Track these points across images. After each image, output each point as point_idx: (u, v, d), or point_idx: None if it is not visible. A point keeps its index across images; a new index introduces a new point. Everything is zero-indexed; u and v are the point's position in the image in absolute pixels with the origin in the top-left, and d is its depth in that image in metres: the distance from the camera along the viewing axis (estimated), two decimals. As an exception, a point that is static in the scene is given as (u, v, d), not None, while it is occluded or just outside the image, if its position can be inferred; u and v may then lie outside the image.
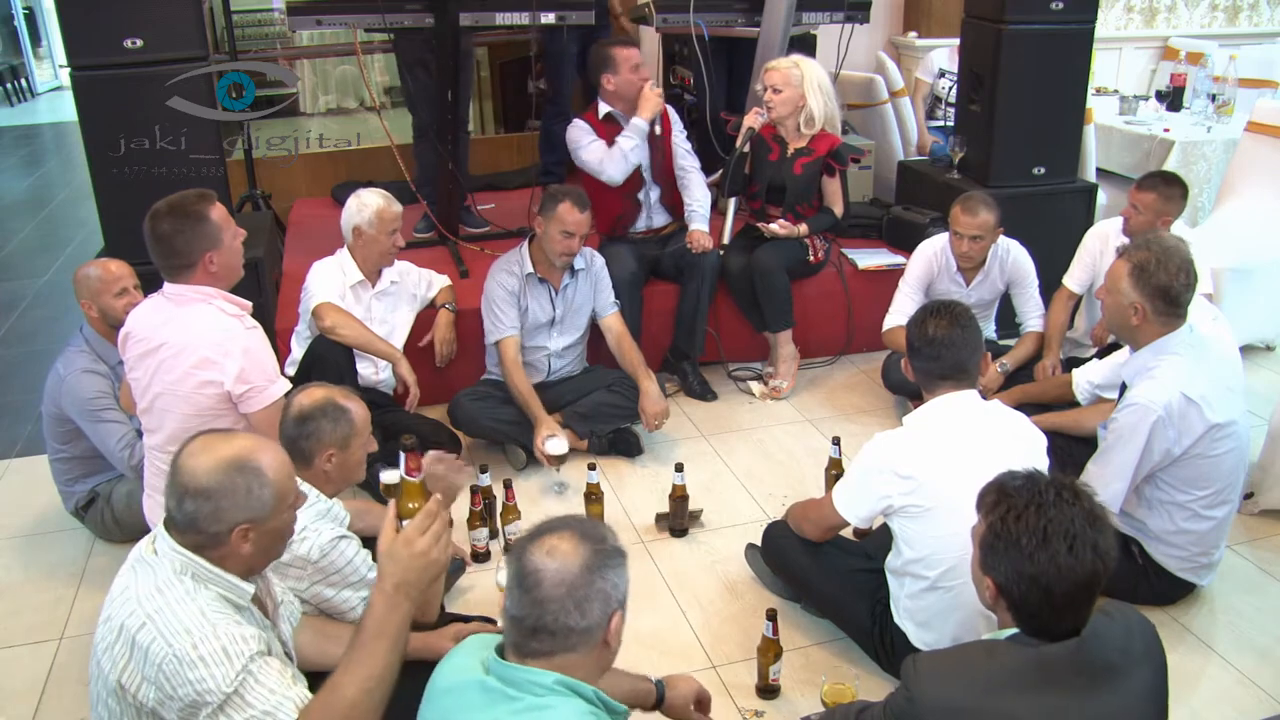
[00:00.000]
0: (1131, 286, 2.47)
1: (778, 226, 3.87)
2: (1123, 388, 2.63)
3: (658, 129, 3.89)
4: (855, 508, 2.32)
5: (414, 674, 2.09)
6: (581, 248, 3.41)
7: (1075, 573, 1.53)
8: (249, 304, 2.51)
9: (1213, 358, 2.56)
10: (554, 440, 3.20)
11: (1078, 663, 1.54)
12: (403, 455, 1.77)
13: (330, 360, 3.13)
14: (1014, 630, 1.62)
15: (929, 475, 2.16)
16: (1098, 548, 1.55)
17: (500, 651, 1.49)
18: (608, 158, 3.83)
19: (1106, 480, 2.53)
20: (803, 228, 3.91)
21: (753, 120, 3.86)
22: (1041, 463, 2.23)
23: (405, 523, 1.64)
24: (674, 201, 4.06)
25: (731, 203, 3.98)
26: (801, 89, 3.82)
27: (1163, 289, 2.44)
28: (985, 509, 1.66)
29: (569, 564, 1.43)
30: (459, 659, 1.54)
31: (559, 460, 3.19)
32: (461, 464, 2.26)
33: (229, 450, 1.59)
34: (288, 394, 2.38)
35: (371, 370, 3.38)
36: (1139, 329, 2.51)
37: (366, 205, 3.25)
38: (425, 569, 1.61)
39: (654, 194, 4.00)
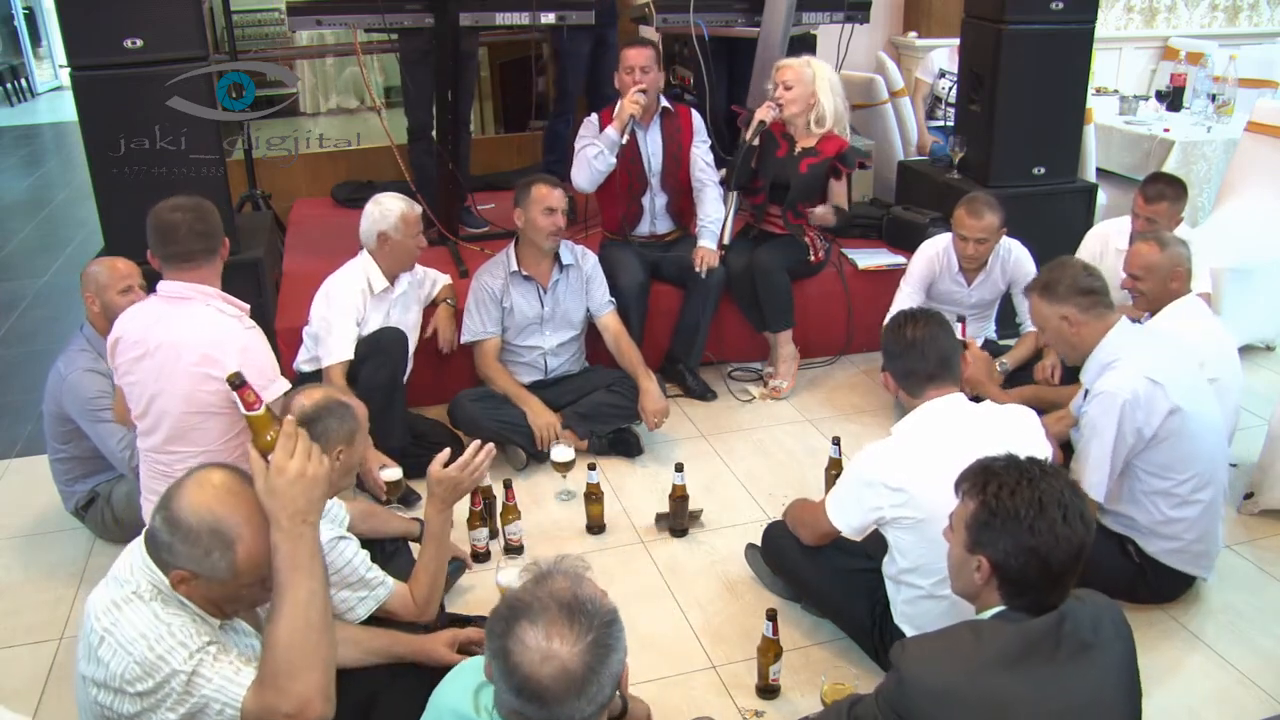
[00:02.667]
0: (1050, 304, 2.62)
1: (823, 210, 3.86)
2: (1086, 393, 2.65)
3: (625, 137, 3.76)
4: (848, 518, 2.31)
5: (409, 676, 2.10)
6: (564, 224, 3.38)
7: (1070, 542, 1.60)
8: (247, 305, 2.51)
9: (1170, 347, 2.63)
10: (560, 448, 3.20)
11: (1058, 636, 1.59)
12: (235, 394, 1.68)
13: (388, 351, 3.16)
14: (997, 609, 1.66)
15: (919, 487, 2.14)
16: (1084, 516, 1.63)
17: (500, 711, 1.38)
18: (576, 164, 3.82)
19: (1088, 471, 2.55)
20: (830, 217, 3.90)
21: (764, 114, 3.82)
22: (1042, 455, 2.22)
23: (270, 457, 1.59)
24: (681, 210, 4.05)
25: (732, 201, 3.98)
26: (813, 87, 3.81)
27: (1072, 285, 2.58)
28: (973, 490, 1.69)
29: (571, 669, 1.28)
30: (457, 694, 1.47)
31: (565, 467, 3.19)
32: (473, 455, 2.23)
33: (221, 508, 1.55)
34: (287, 393, 2.38)
35: None
36: (1081, 333, 2.59)
37: (390, 210, 3.20)
38: (310, 488, 1.56)
39: (660, 201, 3.99)
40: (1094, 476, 2.54)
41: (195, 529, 1.53)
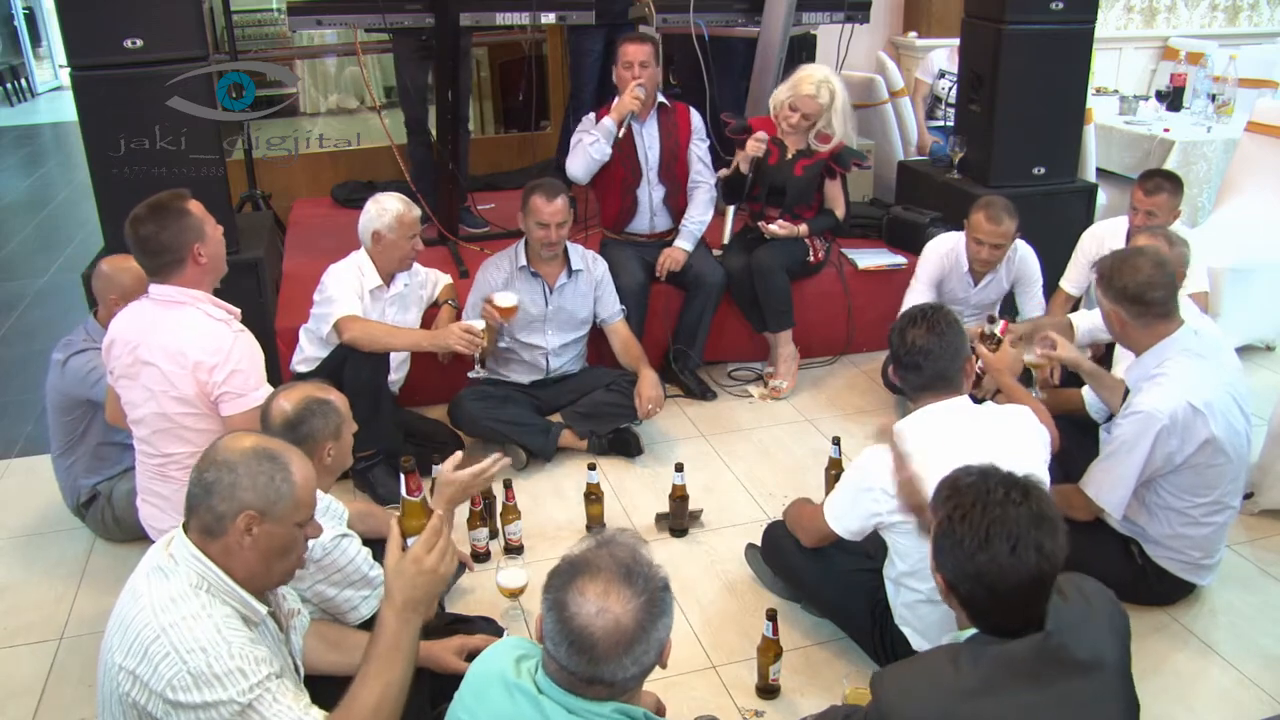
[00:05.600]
0: (1102, 295, 2.52)
1: (777, 227, 3.87)
2: (1126, 392, 2.62)
3: (622, 131, 3.78)
4: (846, 522, 2.31)
5: (414, 682, 2.09)
6: (562, 235, 3.38)
7: (1018, 573, 1.51)
8: (237, 310, 2.51)
9: (1219, 367, 2.54)
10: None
11: (1045, 655, 1.51)
12: (403, 476, 1.81)
13: (365, 351, 3.13)
14: (973, 630, 1.61)
15: None
16: (1042, 549, 1.52)
17: (545, 669, 1.42)
18: (573, 153, 3.83)
19: (1110, 487, 2.52)
20: (802, 228, 3.91)
21: (756, 149, 3.80)
22: (1039, 465, 2.21)
23: (410, 540, 1.69)
24: (680, 206, 4.05)
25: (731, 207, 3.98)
26: (829, 116, 3.83)
27: (1123, 290, 2.45)
28: (936, 503, 1.66)
29: (623, 624, 1.35)
30: (500, 659, 1.50)
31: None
32: (489, 464, 2.19)
33: (266, 443, 1.65)
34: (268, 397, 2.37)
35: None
36: (1124, 334, 2.54)
37: (387, 210, 3.21)
38: (433, 584, 1.66)
39: (657, 194, 3.98)
40: (1115, 495, 2.52)
41: (250, 460, 1.59)
